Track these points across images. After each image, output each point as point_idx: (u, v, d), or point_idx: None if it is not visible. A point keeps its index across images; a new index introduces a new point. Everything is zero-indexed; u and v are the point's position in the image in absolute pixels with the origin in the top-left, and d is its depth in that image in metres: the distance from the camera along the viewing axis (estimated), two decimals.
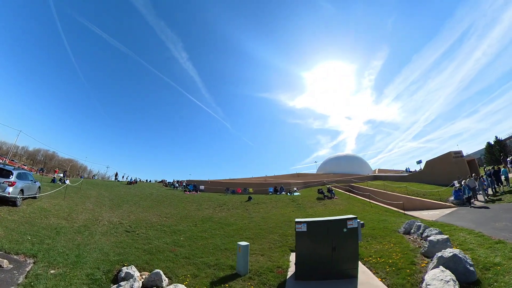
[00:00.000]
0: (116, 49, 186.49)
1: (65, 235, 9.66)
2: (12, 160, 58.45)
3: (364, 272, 7.21)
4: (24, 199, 13.35)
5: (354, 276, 6.90)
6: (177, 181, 38.81)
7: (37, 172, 41.42)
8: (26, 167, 55.34)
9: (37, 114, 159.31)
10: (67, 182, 26.86)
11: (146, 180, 50.56)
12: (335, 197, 24.83)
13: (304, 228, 7.19)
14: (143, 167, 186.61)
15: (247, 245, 8.13)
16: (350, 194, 27.78)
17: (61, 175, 35.32)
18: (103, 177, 59.28)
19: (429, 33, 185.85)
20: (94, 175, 65.38)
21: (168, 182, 39.66)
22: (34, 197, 15.02)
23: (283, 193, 30.16)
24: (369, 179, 39.52)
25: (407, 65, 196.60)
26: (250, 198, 24.43)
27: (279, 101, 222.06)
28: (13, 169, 12.89)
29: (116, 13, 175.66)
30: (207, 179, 39.12)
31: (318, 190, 26.70)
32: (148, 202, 20.06)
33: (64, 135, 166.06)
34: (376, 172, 52.37)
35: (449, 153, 27.46)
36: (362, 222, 7.94)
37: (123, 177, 43.93)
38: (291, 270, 7.76)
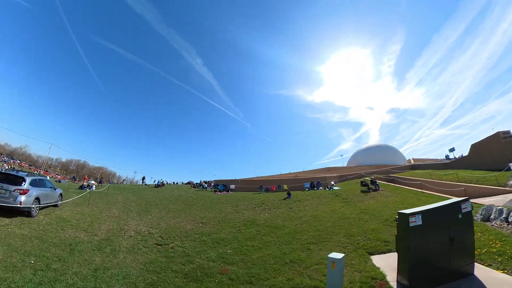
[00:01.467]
0: (137, 64, 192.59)
1: (81, 255, 7.27)
2: (46, 170, 60.82)
3: (476, 267, 6.04)
4: (41, 208, 11.64)
5: (470, 273, 5.84)
6: (205, 182, 36.84)
7: (69, 180, 41.58)
8: (59, 176, 56.79)
9: (67, 128, 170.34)
10: (93, 188, 25.66)
11: (173, 183, 49.47)
12: (380, 189, 21.84)
13: (419, 221, 5.56)
14: (168, 170, 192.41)
15: (342, 257, 5.42)
16: (396, 185, 24.93)
17: (92, 181, 34.75)
18: (131, 181, 59.08)
19: (447, 9, 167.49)
20: (122, 181, 65.76)
21: (196, 183, 37.84)
22: (55, 205, 13.46)
23: (321, 188, 27.14)
24: (407, 169, 37.49)
25: (427, 47, 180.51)
26: (289, 195, 21.65)
27: (297, 96, 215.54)
28: (27, 175, 11.12)
29: (133, 30, 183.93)
30: (236, 178, 36.76)
31: (361, 182, 23.86)
32: (178, 205, 17.86)
33: (93, 145, 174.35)
34: (412, 162, 48.99)
35: (497, 133, 25.03)
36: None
37: (154, 181, 42.87)
38: (389, 279, 5.99)
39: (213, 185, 33.65)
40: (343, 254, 5.64)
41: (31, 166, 63.97)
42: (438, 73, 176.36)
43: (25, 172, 12.85)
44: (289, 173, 47.21)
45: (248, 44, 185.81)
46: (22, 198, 9.82)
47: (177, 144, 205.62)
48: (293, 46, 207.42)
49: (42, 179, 12.86)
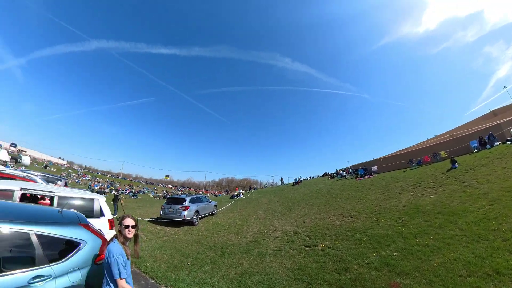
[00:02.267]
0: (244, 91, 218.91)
1: (230, 257, 7.37)
2: (206, 190, 78.79)
3: None
4: (201, 218, 13.98)
5: None
6: (342, 169, 34.06)
7: (223, 193, 50.19)
8: (216, 192, 70.67)
9: (214, 155, 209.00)
10: (241, 195, 28.97)
11: (309, 178, 49.48)
12: None
13: None
14: (301, 167, 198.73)
15: None
16: None
17: (241, 190, 40.03)
18: (272, 184, 64.21)
19: None
20: (264, 185, 72.28)
21: (332, 173, 35.76)
22: (212, 214, 15.70)
23: (497, 143, 17.61)
24: None
25: None
26: (454, 164, 15.13)
27: (405, 35, 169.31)
28: (186, 196, 14.05)
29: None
30: (376, 158, 31.59)
31: None
32: (321, 199, 16.54)
33: (235, 162, 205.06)
34: None
35: None
36: None
37: (294, 179, 44.36)
38: None
39: (352, 171, 30.43)
40: None
41: (196, 189, 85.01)
42: None
43: (185, 194, 16.07)
44: (441, 135, 35.64)
45: (317, 12, 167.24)
46: (185, 212, 12.43)
47: (297, 143, 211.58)
48: None
49: (199, 196, 15.37)
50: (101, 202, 6.93)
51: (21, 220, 2.78)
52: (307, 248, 7.43)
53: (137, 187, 69.20)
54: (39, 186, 6.43)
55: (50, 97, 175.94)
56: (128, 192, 44.49)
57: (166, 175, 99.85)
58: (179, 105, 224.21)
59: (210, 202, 15.96)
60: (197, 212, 13.35)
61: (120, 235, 2.74)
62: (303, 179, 40.17)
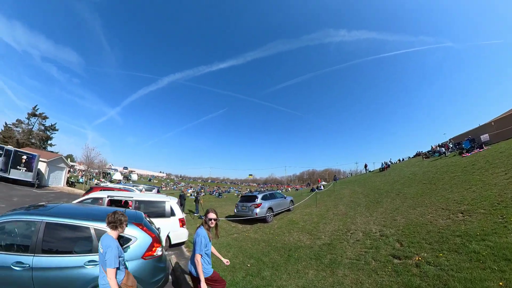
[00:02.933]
0: None
1: (296, 263, 6.30)
2: (288, 184, 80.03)
3: None
4: (276, 214, 13.47)
5: None
6: (439, 145, 27.30)
7: (305, 186, 48.78)
8: (297, 186, 70.10)
9: (291, 147, 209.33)
10: (322, 188, 26.97)
11: (399, 160, 42.22)
12: None
13: None
14: (385, 149, 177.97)
15: None
16: None
17: (323, 182, 37.73)
18: (355, 173, 58.12)
19: None
20: (348, 175, 66.20)
21: (428, 152, 29.11)
22: (288, 210, 14.89)
23: None
24: None
25: None
26: None
27: None
28: (258, 193, 13.73)
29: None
30: (483, 123, 22.95)
31: None
32: (415, 188, 12.99)
33: (315, 153, 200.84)
34: None
35: None
36: None
37: (381, 164, 38.30)
38: None
39: (453, 146, 23.77)
40: None
41: (278, 185, 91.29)
42: None
43: (256, 191, 16.45)
44: None
45: None
46: (257, 210, 12.18)
47: (379, 123, 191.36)
48: None
49: (273, 192, 14.84)
50: (171, 204, 7.95)
51: (86, 218, 3.84)
52: (395, 261, 5.41)
53: (224, 187, 76.63)
54: (122, 194, 8.24)
55: (145, 128, 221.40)
56: (215, 193, 48.95)
57: (250, 174, 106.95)
58: (250, 109, 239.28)
59: (285, 198, 15.16)
60: (270, 209, 12.85)
61: (205, 224, 3.51)
62: (391, 162, 34.28)
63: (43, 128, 44.83)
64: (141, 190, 14.90)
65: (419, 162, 24.33)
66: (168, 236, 7.62)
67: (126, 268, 3.19)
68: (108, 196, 7.59)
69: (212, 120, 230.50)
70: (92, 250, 3.58)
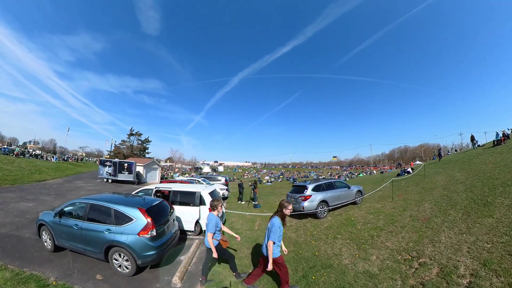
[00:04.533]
0: None
1: None
2: (375, 165, 71.13)
3: None
4: (334, 209, 11.49)
5: None
6: None
7: (395, 168, 41.46)
8: (386, 167, 60.12)
9: (381, 126, 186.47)
10: (410, 171, 21.71)
11: None
12: None
13: None
14: (500, 112, 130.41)
15: None
16: None
17: (418, 162, 30.67)
18: (461, 148, 44.93)
19: None
20: (448, 151, 50.12)
21: None
22: (354, 203, 12.30)
23: None
24: None
25: None
26: None
27: None
28: (309, 183, 11.77)
29: None
30: None
31: None
32: None
33: (407, 127, 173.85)
34: None
35: None
36: None
37: (496, 137, 23.00)
38: None
39: None
40: None
41: (363, 166, 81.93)
42: None
43: (309, 180, 14.16)
44: None
45: None
46: (305, 203, 10.42)
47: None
48: None
49: (332, 182, 12.18)
50: (202, 193, 8.60)
51: (110, 202, 5.79)
52: None
53: (304, 172, 74.87)
54: (170, 186, 9.45)
55: (228, 126, 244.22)
56: (292, 179, 47.97)
57: (334, 157, 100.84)
58: (324, 86, 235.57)
59: (349, 188, 12.40)
60: (323, 202, 10.73)
61: (281, 213, 4.29)
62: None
63: (140, 142, 59.96)
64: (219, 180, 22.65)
65: None
66: (198, 223, 8.41)
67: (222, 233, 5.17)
68: (155, 188, 9.41)
69: (290, 104, 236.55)
70: (109, 222, 5.50)
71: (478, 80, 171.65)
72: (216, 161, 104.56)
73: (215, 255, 4.65)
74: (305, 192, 10.71)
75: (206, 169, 73.34)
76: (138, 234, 5.16)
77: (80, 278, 5.18)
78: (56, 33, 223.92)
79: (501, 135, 20.75)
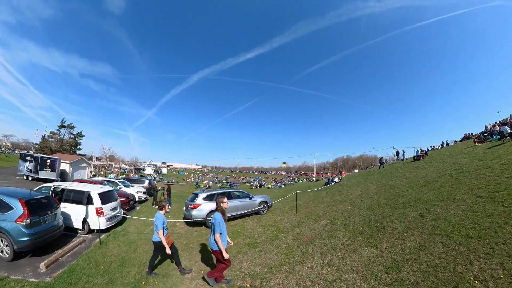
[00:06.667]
0: None
1: None
2: (317, 172, 73.92)
3: None
4: (234, 218, 9.64)
5: None
6: (500, 122, 19.92)
7: (334, 175, 43.29)
8: (328, 174, 63.25)
9: (320, 136, 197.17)
10: (337, 181, 21.99)
11: (442, 145, 33.29)
12: None
13: None
14: (430, 131, 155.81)
15: None
16: None
17: (356, 170, 31.66)
18: (393, 160, 49.10)
19: None
20: (380, 163, 54.08)
21: (482, 133, 21.42)
22: (258, 213, 11.18)
23: None
24: None
25: None
26: None
27: None
28: (201, 191, 11.12)
29: None
30: None
31: None
32: (462, 202, 6.76)
33: (350, 138, 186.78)
34: None
35: None
36: None
37: (416, 153, 26.99)
38: None
39: None
40: None
41: (308, 173, 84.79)
42: None
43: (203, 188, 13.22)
44: None
45: None
46: (193, 212, 9.75)
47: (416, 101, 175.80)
48: None
49: (232, 191, 11.29)
50: (92, 193, 8.61)
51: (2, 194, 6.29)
52: None
53: (250, 177, 75.02)
54: (66, 184, 9.57)
55: (179, 125, 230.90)
56: (229, 184, 47.45)
57: (283, 163, 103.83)
58: (281, 96, 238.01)
59: (251, 198, 11.33)
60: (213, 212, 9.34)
61: (220, 209, 4.59)
62: (431, 148, 27.26)
63: (72, 136, 52.79)
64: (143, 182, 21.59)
65: (470, 149, 17.08)
66: (86, 222, 8.44)
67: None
68: (53, 185, 9.44)
69: (244, 111, 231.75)
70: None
71: (403, 105, 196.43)
72: (164, 162, 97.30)
73: (168, 251, 5.10)
74: (195, 200, 9.97)
75: (148, 171, 66.54)
76: (16, 221, 5.82)
77: None
78: None
79: (419, 151, 22.78)
